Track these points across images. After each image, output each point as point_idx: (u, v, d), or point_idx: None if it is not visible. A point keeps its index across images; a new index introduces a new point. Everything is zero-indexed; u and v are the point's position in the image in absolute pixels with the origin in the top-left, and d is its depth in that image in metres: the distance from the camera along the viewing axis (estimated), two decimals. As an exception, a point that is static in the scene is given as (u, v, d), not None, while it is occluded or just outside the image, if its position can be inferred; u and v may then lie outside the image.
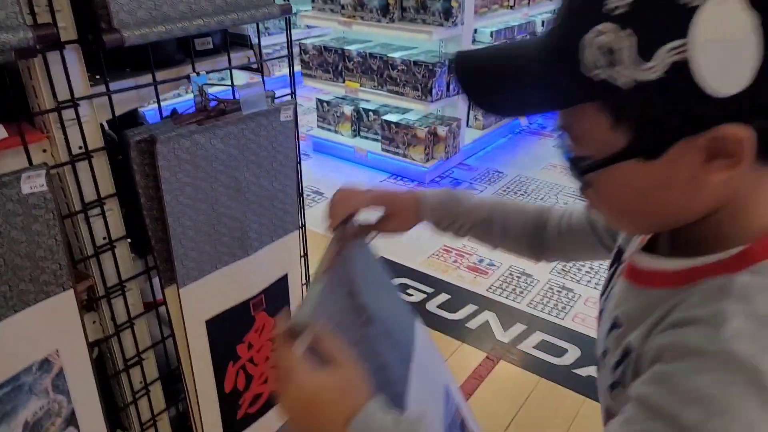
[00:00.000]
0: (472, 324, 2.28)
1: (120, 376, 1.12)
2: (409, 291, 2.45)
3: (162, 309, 1.18)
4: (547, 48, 0.50)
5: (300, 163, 1.31)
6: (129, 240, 1.08)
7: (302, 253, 1.42)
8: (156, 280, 1.13)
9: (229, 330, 1.25)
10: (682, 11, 0.42)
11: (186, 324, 1.15)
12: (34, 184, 0.84)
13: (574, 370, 2.03)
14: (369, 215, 0.83)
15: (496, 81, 0.53)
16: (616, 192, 0.53)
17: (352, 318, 0.75)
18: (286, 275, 1.36)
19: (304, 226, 1.39)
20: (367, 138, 3.72)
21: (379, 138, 3.55)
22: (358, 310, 0.76)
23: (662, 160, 0.48)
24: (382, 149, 3.54)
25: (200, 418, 1.25)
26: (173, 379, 1.26)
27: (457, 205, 0.83)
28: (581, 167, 0.52)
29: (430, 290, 2.48)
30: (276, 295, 1.33)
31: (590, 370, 2.02)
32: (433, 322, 2.27)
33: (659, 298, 0.54)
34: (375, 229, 0.84)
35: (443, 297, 2.44)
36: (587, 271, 2.63)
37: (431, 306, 2.38)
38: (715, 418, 0.43)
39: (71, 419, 0.99)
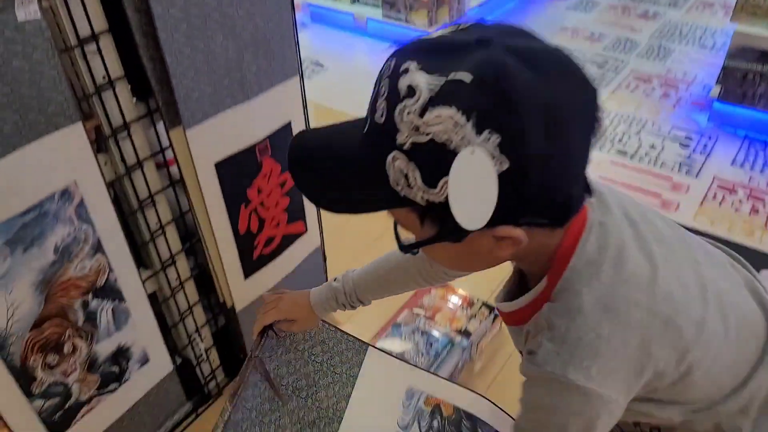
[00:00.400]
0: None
1: (137, 215, 1.19)
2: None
3: (172, 169, 1.22)
4: (364, 161, 0.59)
5: (293, 2, 1.28)
6: (129, 86, 1.09)
7: (303, 104, 1.43)
8: (161, 129, 1.16)
9: (238, 174, 1.30)
10: (451, 154, 0.52)
11: (196, 166, 1.20)
12: (28, 10, 0.84)
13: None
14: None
15: (324, 186, 0.64)
16: (439, 257, 0.70)
17: (267, 406, 1.05)
18: (289, 123, 1.38)
19: (302, 70, 1.39)
20: (366, 4, 3.57)
21: (380, 3, 3.40)
22: (276, 395, 1.07)
23: (464, 242, 0.59)
24: (383, 15, 3.41)
25: (219, 257, 1.34)
26: (188, 235, 1.34)
27: (339, 293, 1.01)
28: (407, 246, 0.64)
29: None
30: (281, 141, 1.36)
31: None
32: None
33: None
34: (289, 329, 1.08)
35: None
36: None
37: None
38: (554, 416, 0.65)
39: (98, 247, 1.07)
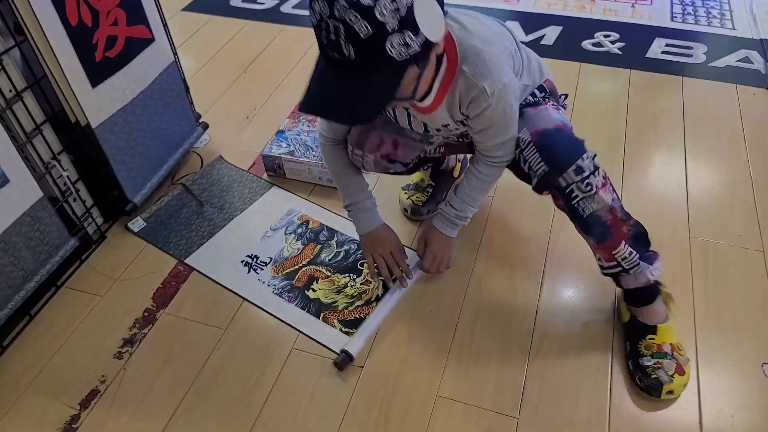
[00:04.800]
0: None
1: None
2: None
3: None
4: (374, 73, 0.85)
5: None
6: None
7: None
8: None
9: (48, -53, 1.12)
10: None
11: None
12: None
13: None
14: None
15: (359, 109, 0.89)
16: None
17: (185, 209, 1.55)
18: None
19: None
20: None
21: None
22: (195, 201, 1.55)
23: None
24: None
25: (53, 54, 1.17)
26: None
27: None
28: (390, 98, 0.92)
29: None
30: None
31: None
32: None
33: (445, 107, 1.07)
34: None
35: None
36: None
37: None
38: (502, 116, 1.05)
39: None
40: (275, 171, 1.64)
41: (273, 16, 2.39)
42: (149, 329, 1.28)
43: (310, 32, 0.86)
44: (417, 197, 1.49)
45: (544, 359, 1.19)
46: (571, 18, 2.30)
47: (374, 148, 1.21)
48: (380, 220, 1.32)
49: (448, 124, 1.11)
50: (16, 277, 1.25)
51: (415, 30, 0.82)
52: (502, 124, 1.07)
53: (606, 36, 2.18)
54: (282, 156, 1.59)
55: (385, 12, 0.78)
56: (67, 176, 1.34)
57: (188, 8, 2.48)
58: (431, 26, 0.84)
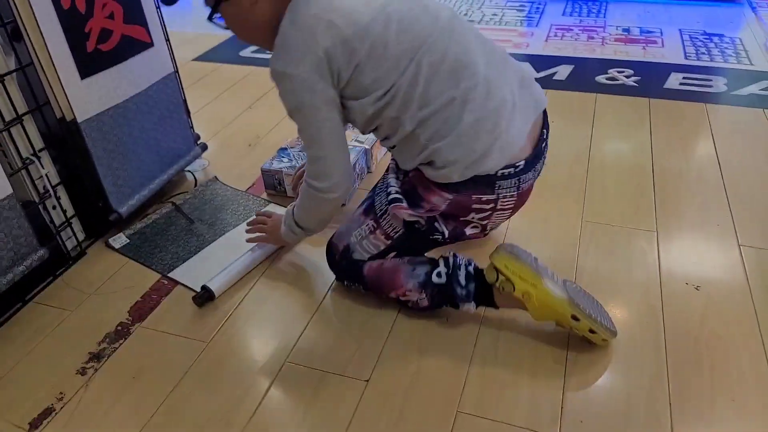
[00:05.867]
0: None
1: None
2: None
3: None
4: None
5: None
6: None
7: None
8: None
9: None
10: None
11: None
12: None
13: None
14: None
15: None
16: (230, 22, 0.98)
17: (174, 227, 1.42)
18: None
19: None
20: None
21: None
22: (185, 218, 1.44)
23: (232, 2, 0.94)
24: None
25: (41, 36, 1.10)
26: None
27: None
28: (209, 15, 0.96)
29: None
30: None
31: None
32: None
33: None
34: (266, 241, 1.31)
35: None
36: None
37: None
38: (284, 101, 0.98)
39: None
40: (275, 188, 1.52)
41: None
42: (120, 343, 1.10)
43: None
44: None
45: (586, 369, 0.99)
46: (582, 58, 2.27)
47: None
48: None
49: None
50: (-27, 280, 1.10)
51: None
52: (299, 127, 0.99)
53: (620, 71, 2.13)
54: (282, 169, 1.48)
55: None
56: (47, 176, 1.22)
57: (198, 59, 2.49)
58: None
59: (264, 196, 1.53)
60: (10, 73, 1.12)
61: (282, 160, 1.52)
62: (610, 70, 2.14)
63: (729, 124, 1.75)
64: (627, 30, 2.52)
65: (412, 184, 1.05)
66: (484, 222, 1.06)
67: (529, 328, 1.08)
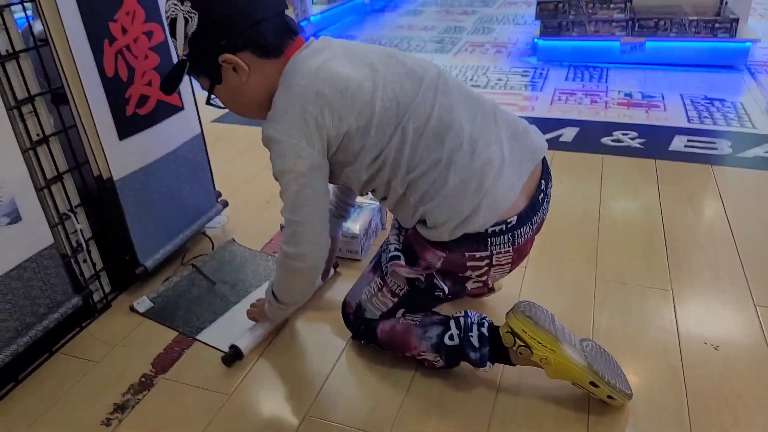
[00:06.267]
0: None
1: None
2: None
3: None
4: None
5: None
6: None
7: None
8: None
9: (98, 3, 1.19)
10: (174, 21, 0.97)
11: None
12: None
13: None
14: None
15: (165, 81, 1.05)
16: (226, 101, 1.05)
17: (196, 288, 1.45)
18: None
19: None
20: None
21: None
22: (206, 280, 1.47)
23: (225, 81, 1.00)
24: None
25: (86, 100, 1.18)
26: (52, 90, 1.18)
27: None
28: (206, 99, 1.05)
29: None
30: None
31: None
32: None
33: None
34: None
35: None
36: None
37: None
38: (274, 165, 1.01)
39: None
40: (295, 244, 1.56)
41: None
42: (144, 395, 1.12)
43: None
44: None
45: (611, 420, 1.00)
46: (586, 121, 2.36)
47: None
48: None
49: None
50: (9, 327, 1.13)
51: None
52: (281, 190, 1.02)
53: (624, 134, 2.21)
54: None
55: (166, 13, 0.97)
56: (81, 231, 1.28)
57: (217, 120, 2.60)
58: (179, 44, 0.96)
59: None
60: (55, 134, 1.20)
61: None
62: (614, 132, 2.22)
63: (736, 184, 1.80)
64: (629, 94, 2.63)
65: (409, 242, 1.08)
66: (483, 278, 1.06)
67: (548, 384, 1.09)
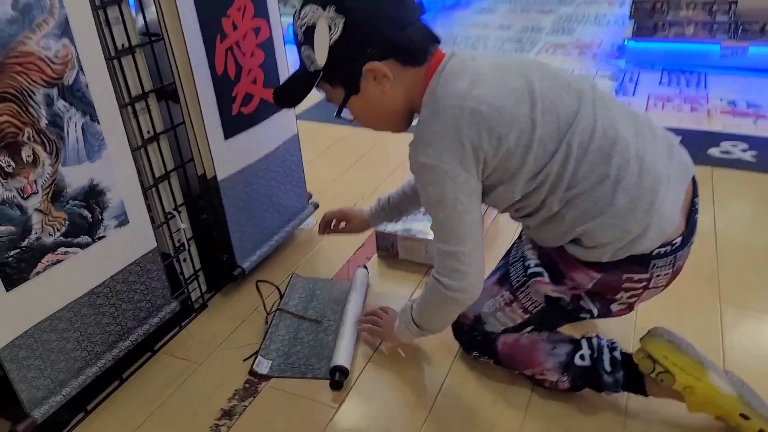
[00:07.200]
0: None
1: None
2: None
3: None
4: (298, 71, 0.97)
5: None
6: None
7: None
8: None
9: None
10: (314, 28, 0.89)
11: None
12: None
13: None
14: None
15: (287, 92, 1.01)
16: (360, 114, 0.98)
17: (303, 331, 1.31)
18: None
19: None
20: None
21: None
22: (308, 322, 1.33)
23: (363, 92, 0.93)
24: None
25: (196, 96, 1.16)
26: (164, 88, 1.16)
27: (383, 209, 1.34)
28: (336, 112, 0.97)
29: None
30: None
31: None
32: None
33: None
34: (345, 231, 1.41)
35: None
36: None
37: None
38: (424, 192, 0.92)
39: (65, 28, 0.89)
40: (387, 250, 1.51)
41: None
42: (250, 401, 1.09)
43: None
44: None
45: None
46: (690, 130, 2.21)
47: None
48: None
49: None
50: (112, 332, 1.12)
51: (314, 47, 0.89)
52: (437, 220, 0.93)
53: (734, 145, 2.05)
54: (398, 233, 1.48)
55: (296, 22, 0.91)
56: (184, 230, 1.27)
57: (300, 117, 2.58)
58: (319, 52, 0.88)
59: (375, 256, 1.52)
60: (166, 131, 1.19)
61: (395, 223, 1.52)
62: (722, 143, 2.06)
63: None
64: (733, 102, 2.45)
65: (551, 259, 1.01)
66: (632, 300, 1.00)
67: (681, 417, 0.99)
